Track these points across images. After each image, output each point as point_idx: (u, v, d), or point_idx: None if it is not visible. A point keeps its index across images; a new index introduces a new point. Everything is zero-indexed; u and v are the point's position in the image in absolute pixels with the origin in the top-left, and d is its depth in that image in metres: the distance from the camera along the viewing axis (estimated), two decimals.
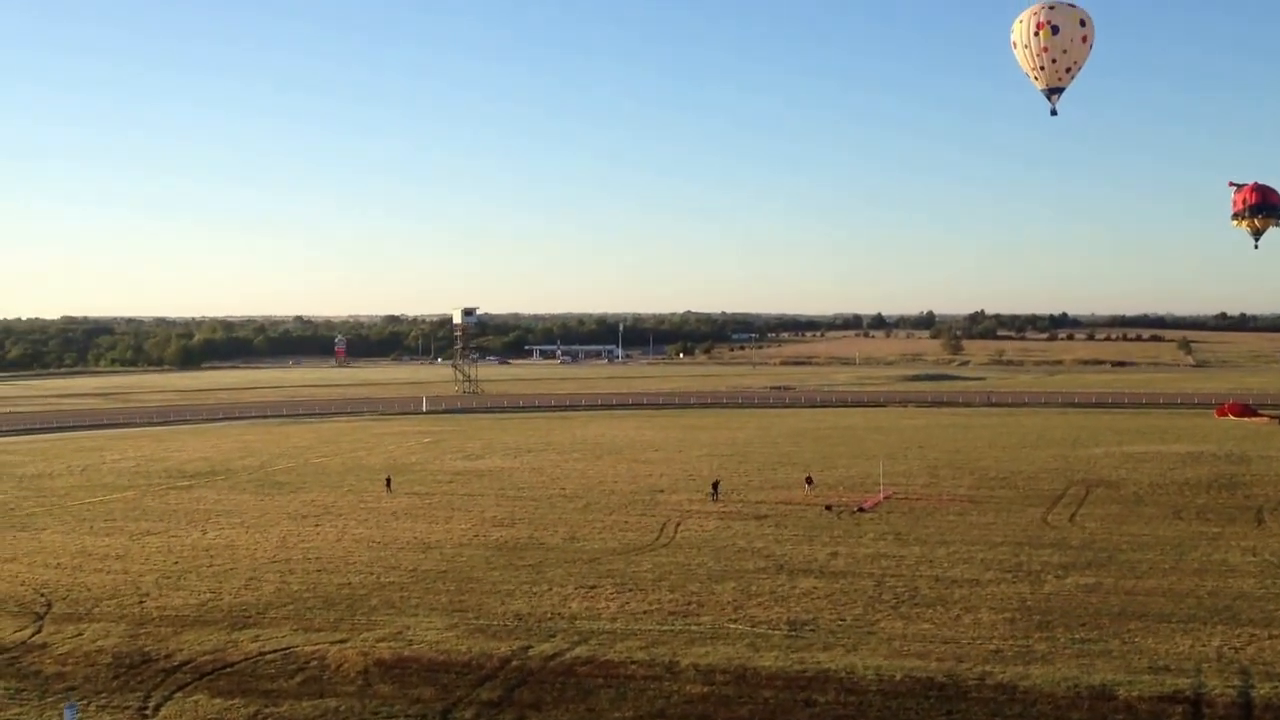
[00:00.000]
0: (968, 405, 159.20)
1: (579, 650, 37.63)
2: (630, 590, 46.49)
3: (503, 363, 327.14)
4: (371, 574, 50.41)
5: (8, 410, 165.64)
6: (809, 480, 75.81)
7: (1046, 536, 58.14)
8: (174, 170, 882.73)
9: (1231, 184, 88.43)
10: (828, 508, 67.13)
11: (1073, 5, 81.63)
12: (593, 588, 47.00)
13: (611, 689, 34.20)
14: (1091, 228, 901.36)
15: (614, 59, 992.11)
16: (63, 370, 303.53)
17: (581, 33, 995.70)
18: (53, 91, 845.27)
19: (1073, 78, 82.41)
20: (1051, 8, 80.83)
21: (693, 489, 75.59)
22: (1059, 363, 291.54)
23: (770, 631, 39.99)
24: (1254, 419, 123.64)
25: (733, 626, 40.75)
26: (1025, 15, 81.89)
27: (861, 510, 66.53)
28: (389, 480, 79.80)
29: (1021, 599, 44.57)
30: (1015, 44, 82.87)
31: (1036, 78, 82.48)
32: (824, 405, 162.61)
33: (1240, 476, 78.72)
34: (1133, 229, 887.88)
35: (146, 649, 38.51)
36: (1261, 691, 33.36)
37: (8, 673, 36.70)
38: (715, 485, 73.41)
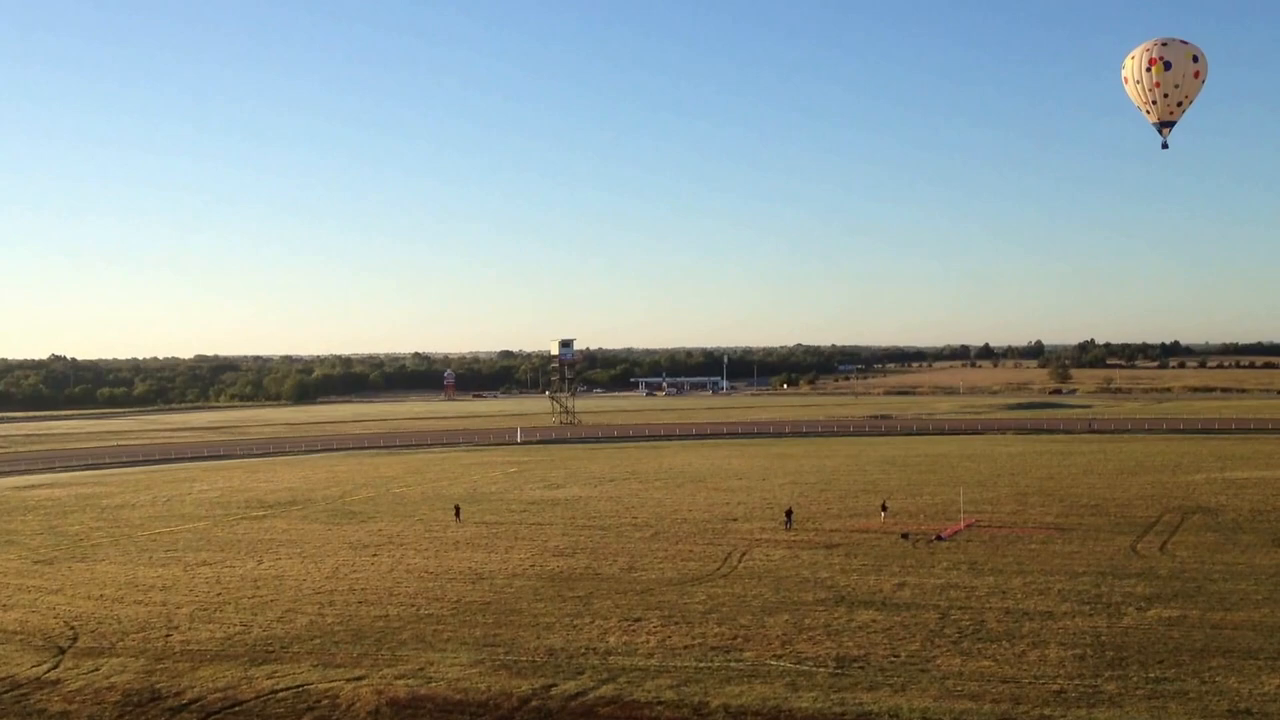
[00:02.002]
0: (1068, 432, 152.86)
1: (604, 689, 35.13)
2: (675, 623, 43.91)
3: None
4: (412, 606, 48.72)
5: (119, 444, 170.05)
6: (884, 508, 72.40)
7: (1133, 566, 53.90)
8: (308, 218, 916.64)
9: None
10: (904, 536, 63.73)
11: (1185, 42, 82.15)
12: (637, 620, 44.54)
13: None
14: (1205, 256, 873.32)
15: (720, 101, 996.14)
16: (184, 405, 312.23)
17: (679, 70, 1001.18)
18: (196, 134, 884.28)
19: (1184, 112, 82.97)
20: (1164, 44, 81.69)
21: (767, 517, 72.77)
22: (1168, 390, 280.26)
23: (815, 669, 36.97)
24: None
25: (775, 663, 37.81)
26: (1137, 51, 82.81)
27: (939, 539, 62.93)
28: (458, 509, 78.74)
29: (1096, 633, 40.80)
30: (1127, 79, 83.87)
31: (1148, 112, 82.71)
32: (920, 433, 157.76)
33: None
34: (1247, 256, 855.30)
35: (158, 686, 37.10)
36: None
37: (13, 711, 35.56)
38: (789, 513, 70.48)
